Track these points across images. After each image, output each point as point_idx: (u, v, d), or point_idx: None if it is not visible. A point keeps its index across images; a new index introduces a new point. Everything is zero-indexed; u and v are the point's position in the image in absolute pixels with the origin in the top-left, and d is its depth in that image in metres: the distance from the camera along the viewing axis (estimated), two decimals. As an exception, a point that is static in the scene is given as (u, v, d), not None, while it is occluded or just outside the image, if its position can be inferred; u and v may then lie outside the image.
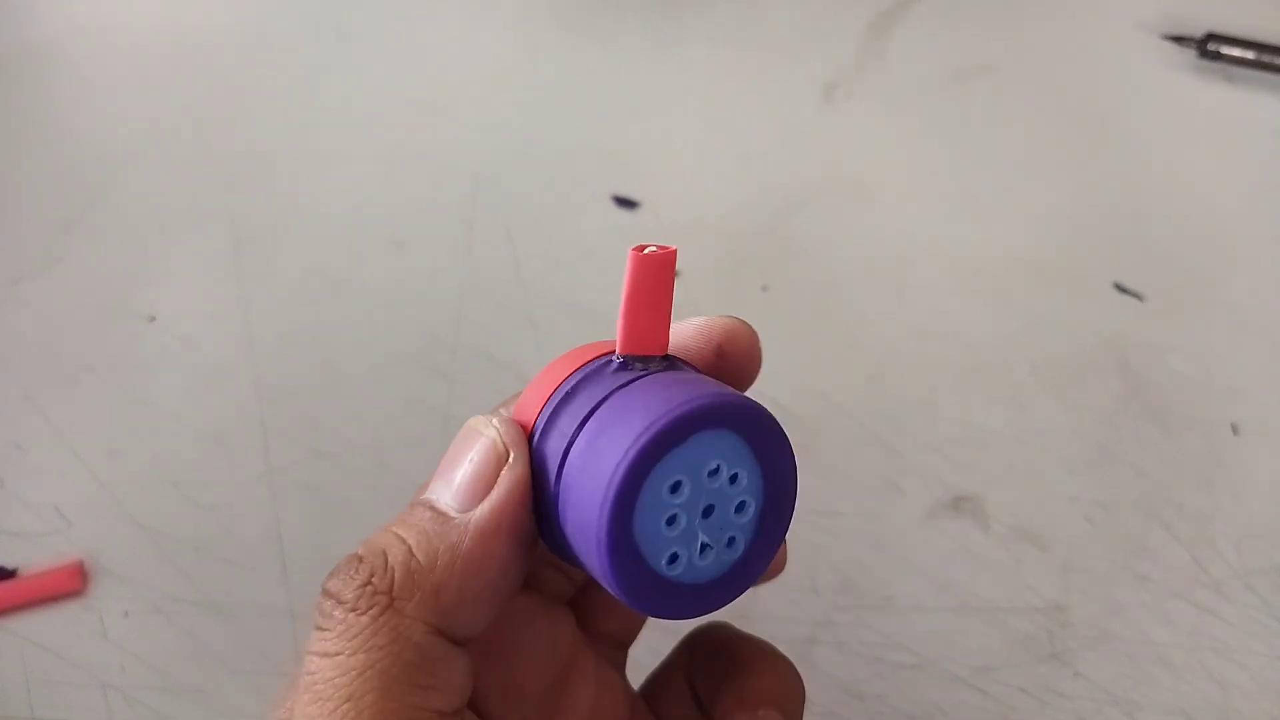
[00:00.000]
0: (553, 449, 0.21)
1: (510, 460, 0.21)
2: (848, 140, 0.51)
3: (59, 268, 0.47)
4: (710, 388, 0.21)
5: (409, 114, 0.52)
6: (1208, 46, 0.52)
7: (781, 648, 0.26)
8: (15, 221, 0.48)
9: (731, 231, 0.48)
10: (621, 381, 0.21)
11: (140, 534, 0.40)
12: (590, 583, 0.27)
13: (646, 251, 0.21)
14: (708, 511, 0.21)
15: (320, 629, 0.20)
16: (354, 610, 0.20)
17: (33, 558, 0.40)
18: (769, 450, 0.21)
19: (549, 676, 0.25)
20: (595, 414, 0.21)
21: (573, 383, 0.22)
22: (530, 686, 0.25)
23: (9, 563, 0.39)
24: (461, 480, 0.21)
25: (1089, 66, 0.54)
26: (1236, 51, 0.52)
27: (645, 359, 0.22)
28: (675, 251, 0.22)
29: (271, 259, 0.47)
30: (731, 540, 0.21)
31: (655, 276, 0.22)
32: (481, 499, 0.21)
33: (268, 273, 0.47)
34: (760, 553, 0.22)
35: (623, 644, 0.28)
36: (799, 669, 0.26)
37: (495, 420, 0.22)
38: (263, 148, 0.50)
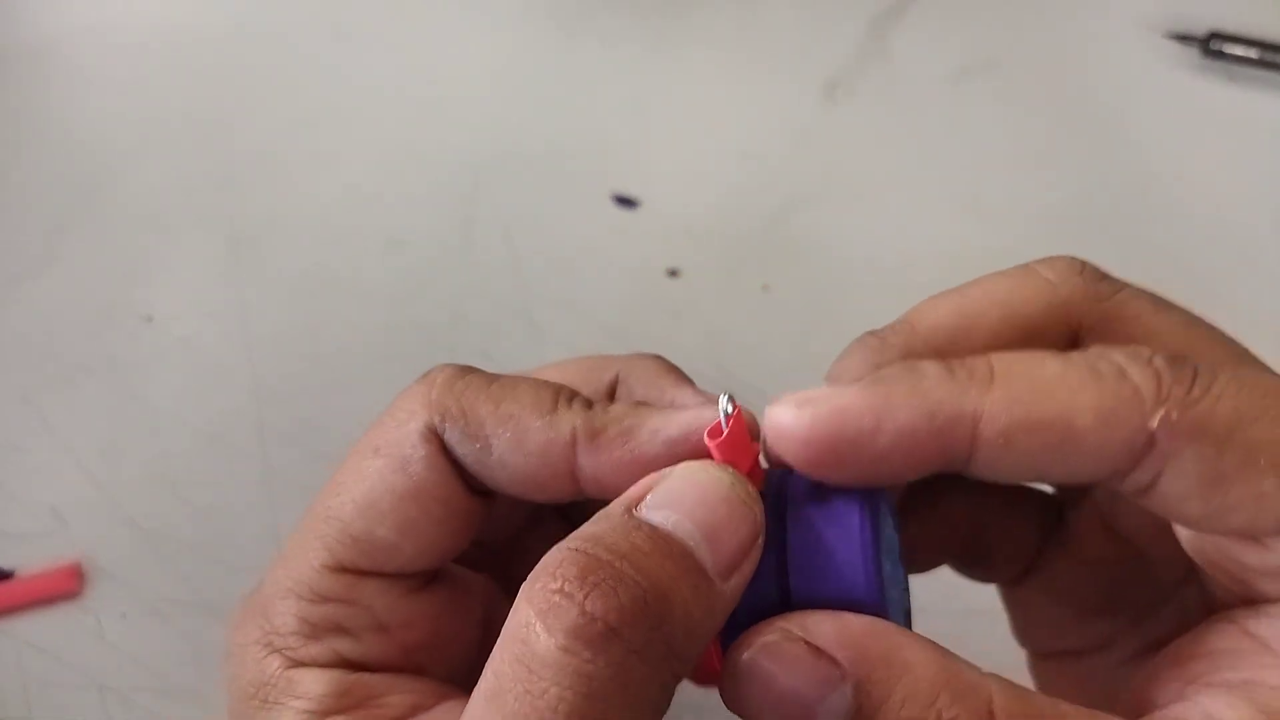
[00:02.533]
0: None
1: (759, 546, 0.21)
2: (848, 139, 0.51)
3: (56, 268, 0.46)
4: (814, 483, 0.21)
5: (407, 113, 0.52)
6: (1211, 45, 0.52)
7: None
8: (11, 221, 0.48)
9: (731, 231, 0.48)
10: (770, 509, 0.22)
11: (137, 535, 0.40)
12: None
13: (720, 439, 0.21)
14: (889, 553, 0.22)
15: (582, 659, 0.18)
16: (637, 655, 0.18)
17: (30, 559, 0.39)
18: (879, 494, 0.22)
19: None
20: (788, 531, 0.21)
21: None
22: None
23: (6, 564, 0.39)
24: (725, 548, 0.20)
25: (1091, 65, 0.54)
26: (1240, 50, 0.52)
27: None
28: (745, 424, 0.22)
29: (269, 258, 0.47)
30: (894, 563, 0.23)
31: (738, 452, 0.22)
32: (733, 574, 0.20)
33: (265, 272, 0.46)
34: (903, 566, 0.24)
35: None
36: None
37: (752, 494, 0.21)
38: (260, 147, 0.50)
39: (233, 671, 0.24)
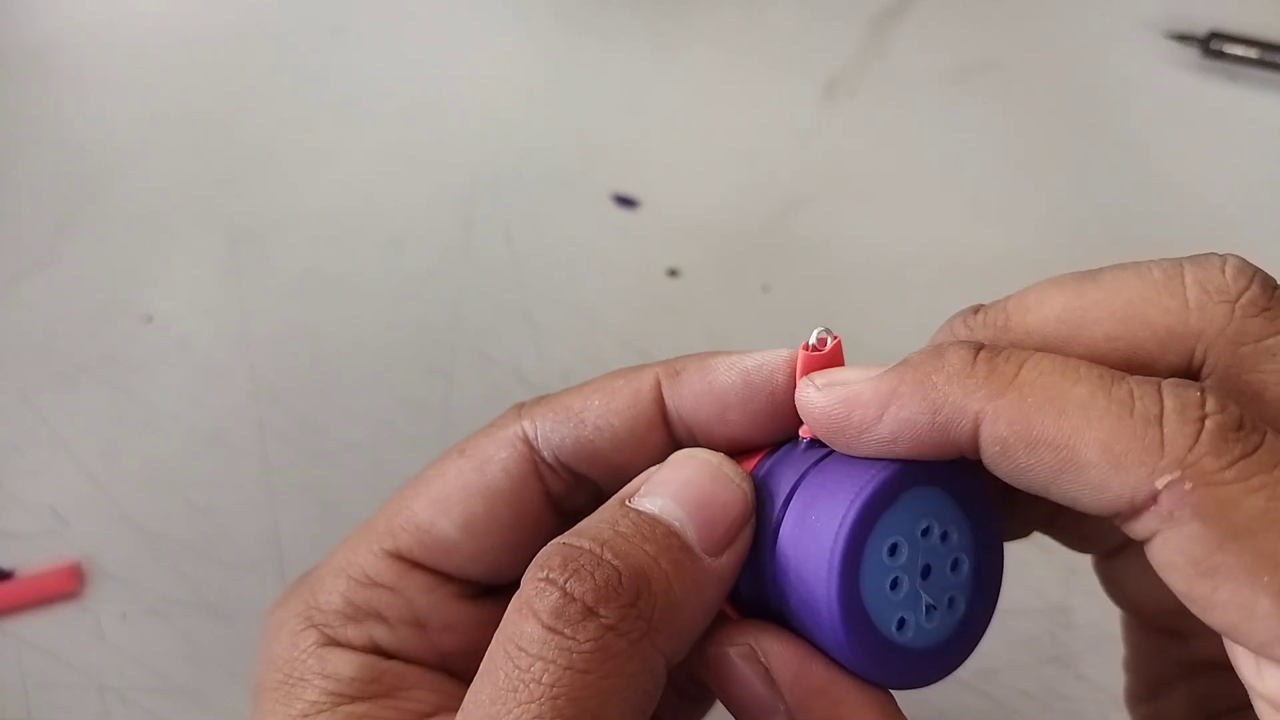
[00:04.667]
0: (759, 531, 0.22)
1: (750, 521, 0.22)
2: (849, 139, 0.51)
3: (55, 267, 0.46)
4: None
5: (407, 112, 0.52)
6: (1211, 45, 0.52)
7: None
8: (11, 221, 0.48)
9: (731, 231, 0.48)
10: (815, 458, 0.22)
11: (137, 535, 0.40)
12: None
13: (815, 350, 0.22)
14: (925, 572, 0.21)
15: (564, 635, 0.19)
16: (614, 630, 0.19)
17: (29, 559, 0.39)
18: (974, 504, 0.21)
19: None
20: (798, 492, 0.21)
21: (765, 466, 0.22)
22: None
23: (5, 564, 0.39)
24: (715, 525, 0.21)
25: (1091, 65, 0.54)
26: (1240, 50, 0.52)
27: None
28: (840, 342, 0.22)
29: (269, 258, 0.47)
30: (952, 600, 0.22)
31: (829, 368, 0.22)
32: (724, 550, 0.21)
33: (265, 272, 0.46)
34: (981, 610, 0.22)
35: None
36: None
37: (740, 472, 0.22)
38: (260, 146, 0.50)
39: (266, 643, 0.25)
